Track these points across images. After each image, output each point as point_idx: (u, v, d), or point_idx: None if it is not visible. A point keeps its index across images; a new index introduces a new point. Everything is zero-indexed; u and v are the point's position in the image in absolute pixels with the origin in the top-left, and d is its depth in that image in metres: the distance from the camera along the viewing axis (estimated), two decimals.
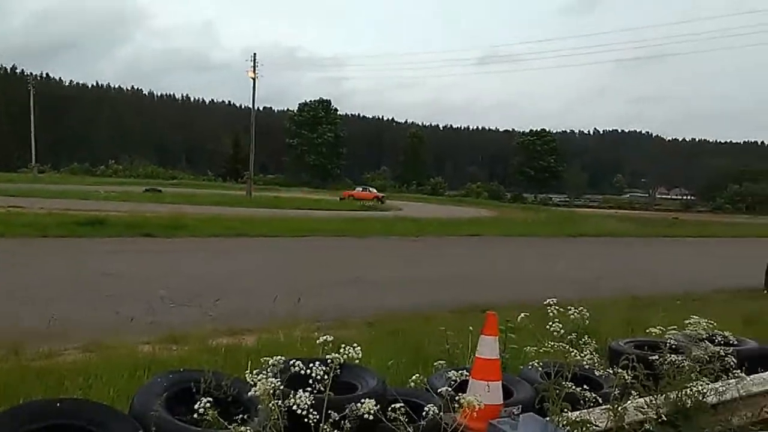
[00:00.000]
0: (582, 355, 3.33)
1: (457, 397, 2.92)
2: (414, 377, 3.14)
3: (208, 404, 2.34)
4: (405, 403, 2.92)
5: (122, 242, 16.65)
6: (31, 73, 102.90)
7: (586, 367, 3.46)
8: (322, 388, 2.47)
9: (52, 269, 11.83)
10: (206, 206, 33.86)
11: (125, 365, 4.85)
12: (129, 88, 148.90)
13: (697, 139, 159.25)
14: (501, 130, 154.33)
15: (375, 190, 69.72)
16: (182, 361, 4.92)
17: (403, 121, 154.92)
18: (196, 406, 2.36)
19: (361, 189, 69.35)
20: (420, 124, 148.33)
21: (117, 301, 8.12)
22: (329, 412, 2.44)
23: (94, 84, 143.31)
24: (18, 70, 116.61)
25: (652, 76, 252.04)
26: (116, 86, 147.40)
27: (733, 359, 3.80)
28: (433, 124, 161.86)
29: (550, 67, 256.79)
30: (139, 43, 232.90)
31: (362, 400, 2.53)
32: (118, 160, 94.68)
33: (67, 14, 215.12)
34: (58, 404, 2.81)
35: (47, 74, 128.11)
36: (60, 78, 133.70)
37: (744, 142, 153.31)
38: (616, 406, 3.47)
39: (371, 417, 2.49)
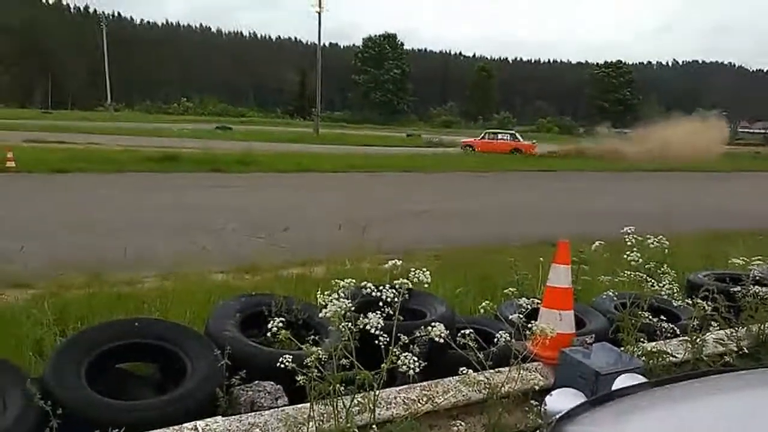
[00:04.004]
0: (660, 285, 3.21)
1: (529, 326, 2.88)
2: (484, 304, 3.11)
3: (280, 324, 2.36)
4: (474, 330, 2.90)
5: (194, 177, 17.08)
6: (104, 13, 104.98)
7: (664, 297, 3.35)
8: (391, 312, 2.45)
9: (128, 203, 12.26)
10: (274, 143, 34.27)
11: (201, 291, 5.01)
12: (197, 26, 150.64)
13: None
14: (573, 62, 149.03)
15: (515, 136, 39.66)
16: (255, 289, 5.03)
17: (470, 55, 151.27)
18: (268, 326, 2.39)
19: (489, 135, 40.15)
20: (488, 57, 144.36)
21: (191, 232, 8.34)
22: (399, 335, 2.43)
23: (164, 22, 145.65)
24: (91, 10, 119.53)
25: (737, 2, 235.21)
26: (185, 24, 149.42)
27: None
28: (502, 57, 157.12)
29: None
30: None
31: (432, 325, 2.51)
32: (189, 98, 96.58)
33: None
34: (135, 324, 2.91)
35: (119, 13, 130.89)
36: (131, 17, 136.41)
37: None
38: (694, 337, 3.36)
39: (441, 341, 2.47)
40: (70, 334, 3.77)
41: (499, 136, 39.46)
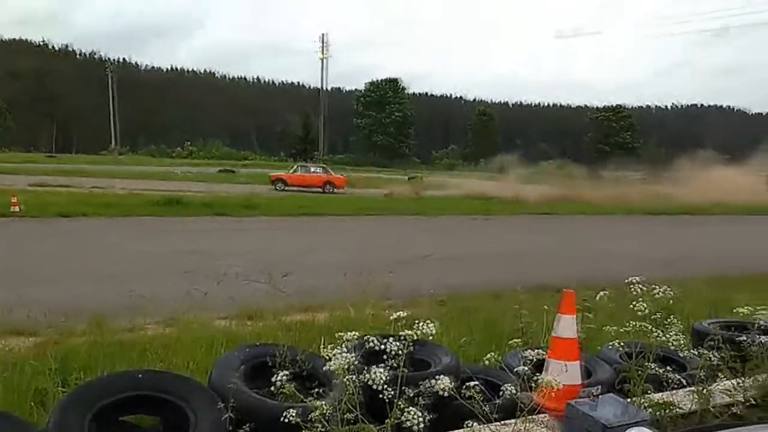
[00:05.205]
0: (667, 335, 3.19)
1: (534, 377, 2.85)
2: (489, 355, 3.08)
3: (284, 378, 2.35)
4: (479, 381, 2.87)
5: (198, 221, 17.16)
6: (110, 59, 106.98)
7: (671, 347, 3.33)
8: (396, 365, 2.44)
9: (131, 247, 12.29)
10: None
11: (203, 339, 4.97)
12: (202, 71, 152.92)
13: None
14: (574, 105, 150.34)
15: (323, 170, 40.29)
16: (258, 337, 5.00)
17: (471, 99, 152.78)
18: (273, 379, 2.38)
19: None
20: (489, 101, 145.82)
21: (193, 277, 8.31)
22: (404, 388, 2.41)
23: (169, 68, 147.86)
24: (97, 56, 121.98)
25: (736, 47, 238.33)
26: (190, 69, 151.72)
27: None
28: (502, 101, 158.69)
29: (626, 39, 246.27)
30: (212, 28, 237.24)
31: (437, 377, 2.50)
32: (193, 141, 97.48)
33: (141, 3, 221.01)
34: (139, 375, 2.89)
35: (124, 59, 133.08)
36: (137, 62, 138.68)
37: None
38: (701, 388, 3.33)
39: (446, 394, 2.45)
40: (72, 383, 3.75)
41: (312, 169, 39.96)
